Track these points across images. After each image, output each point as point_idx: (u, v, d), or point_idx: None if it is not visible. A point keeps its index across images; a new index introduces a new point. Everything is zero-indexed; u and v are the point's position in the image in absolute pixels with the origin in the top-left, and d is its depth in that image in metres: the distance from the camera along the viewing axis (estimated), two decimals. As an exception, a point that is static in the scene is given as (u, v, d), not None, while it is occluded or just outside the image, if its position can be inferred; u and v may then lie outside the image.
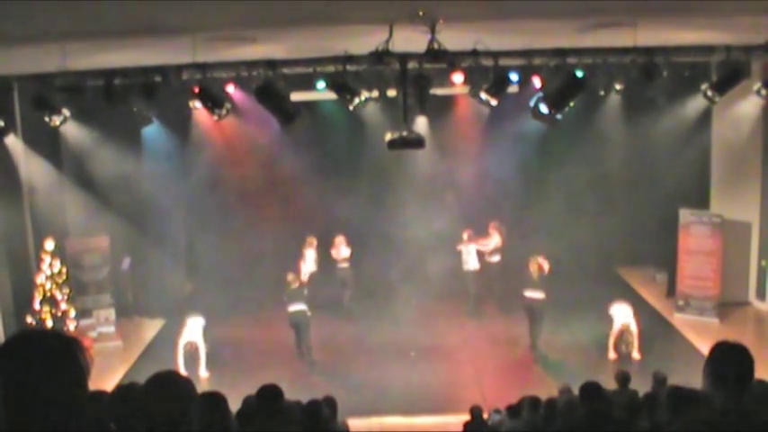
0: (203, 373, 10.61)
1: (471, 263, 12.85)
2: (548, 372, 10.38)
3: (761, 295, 12.66)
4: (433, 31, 8.03)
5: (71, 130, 11.38)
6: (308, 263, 12.95)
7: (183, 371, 10.21)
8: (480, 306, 12.86)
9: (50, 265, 11.42)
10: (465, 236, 12.91)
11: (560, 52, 9.28)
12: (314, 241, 13.09)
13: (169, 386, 2.36)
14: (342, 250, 13.03)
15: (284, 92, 9.75)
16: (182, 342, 10.54)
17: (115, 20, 7.20)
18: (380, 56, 8.41)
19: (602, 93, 11.62)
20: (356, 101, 9.98)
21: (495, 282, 13.07)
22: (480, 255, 12.91)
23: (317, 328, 12.08)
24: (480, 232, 13.05)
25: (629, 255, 14.10)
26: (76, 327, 11.60)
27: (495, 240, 13.02)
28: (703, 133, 12.36)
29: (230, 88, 10.38)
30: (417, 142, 9.43)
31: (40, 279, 11.37)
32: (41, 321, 11.15)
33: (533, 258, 11.10)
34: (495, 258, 13.01)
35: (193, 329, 10.67)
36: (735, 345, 2.97)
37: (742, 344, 2.97)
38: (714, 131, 12.46)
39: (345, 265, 13.08)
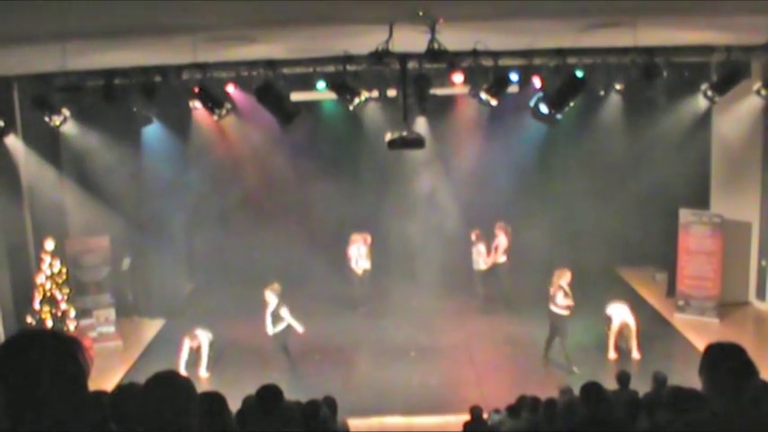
0: (203, 373, 10.60)
1: (480, 263, 12.89)
2: (548, 372, 10.37)
3: (761, 295, 12.66)
4: (433, 31, 8.04)
5: (71, 130, 11.37)
6: (361, 260, 13.04)
7: (183, 370, 10.22)
8: (489, 305, 12.87)
9: (50, 265, 11.41)
10: (473, 236, 12.93)
11: (560, 52, 9.29)
12: (368, 238, 13.13)
13: (169, 386, 2.35)
14: (360, 258, 13.06)
15: (284, 92, 9.75)
16: (187, 342, 10.54)
17: (115, 20, 7.20)
18: (380, 56, 8.41)
19: (602, 93, 11.61)
20: (356, 101, 9.99)
21: (505, 282, 13.09)
22: (488, 255, 12.93)
23: (318, 327, 12.10)
24: (481, 232, 13.06)
25: (629, 255, 14.09)
26: (76, 327, 11.59)
27: (501, 241, 13.05)
28: (703, 133, 12.36)
29: (230, 88, 10.38)
30: (417, 142, 9.43)
31: (40, 279, 11.36)
32: (41, 321, 11.14)
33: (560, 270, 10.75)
34: (502, 259, 13.02)
35: (201, 337, 10.68)
36: (729, 345, 2.96)
37: (736, 344, 2.96)
38: (714, 131, 12.46)
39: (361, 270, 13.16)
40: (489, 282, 12.99)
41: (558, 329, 10.49)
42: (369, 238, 13.10)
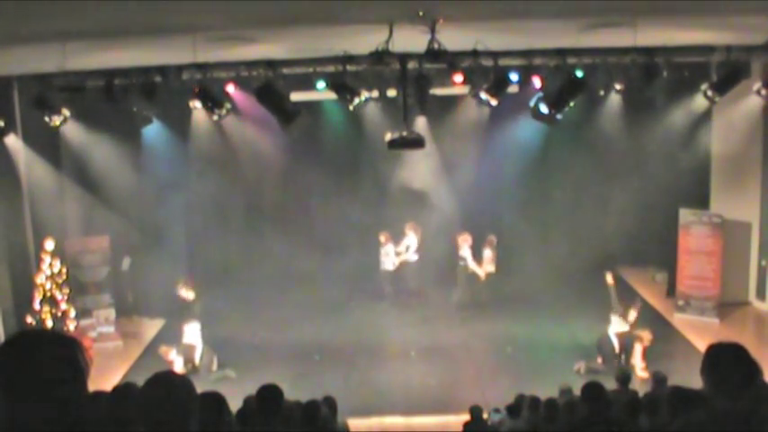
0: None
1: (388, 263, 13.08)
2: (548, 372, 10.35)
3: (761, 295, 12.65)
4: (433, 31, 8.04)
5: (71, 130, 11.37)
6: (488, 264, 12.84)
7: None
8: (396, 306, 12.90)
9: (50, 265, 11.40)
10: (382, 238, 13.05)
11: (560, 52, 9.28)
12: (494, 239, 12.83)
13: (168, 386, 2.35)
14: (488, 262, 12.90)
15: (284, 92, 9.75)
16: (177, 348, 10.39)
17: (115, 20, 7.20)
18: (380, 56, 8.42)
19: (602, 93, 11.61)
20: (356, 101, 9.98)
21: (412, 281, 13.27)
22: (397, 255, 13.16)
23: (318, 327, 12.10)
24: (480, 232, 13.06)
25: (629, 255, 14.09)
26: (76, 327, 11.59)
27: (410, 240, 13.13)
28: (703, 133, 12.36)
29: (230, 88, 10.37)
30: (417, 142, 9.43)
31: (40, 279, 11.36)
32: (41, 321, 11.14)
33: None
34: (413, 258, 13.22)
35: (191, 334, 10.59)
36: (732, 345, 2.96)
37: (739, 343, 2.96)
38: (714, 131, 12.46)
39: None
40: (396, 281, 13.18)
41: None
42: (494, 240, 12.86)
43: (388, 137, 9.38)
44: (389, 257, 13.10)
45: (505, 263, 13.05)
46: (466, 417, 7.45)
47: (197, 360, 10.44)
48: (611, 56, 9.39)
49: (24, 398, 1.76)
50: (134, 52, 8.95)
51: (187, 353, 10.42)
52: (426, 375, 10.32)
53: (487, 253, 12.75)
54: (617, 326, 10.30)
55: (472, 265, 12.74)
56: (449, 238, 13.29)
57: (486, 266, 12.77)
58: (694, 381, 3.31)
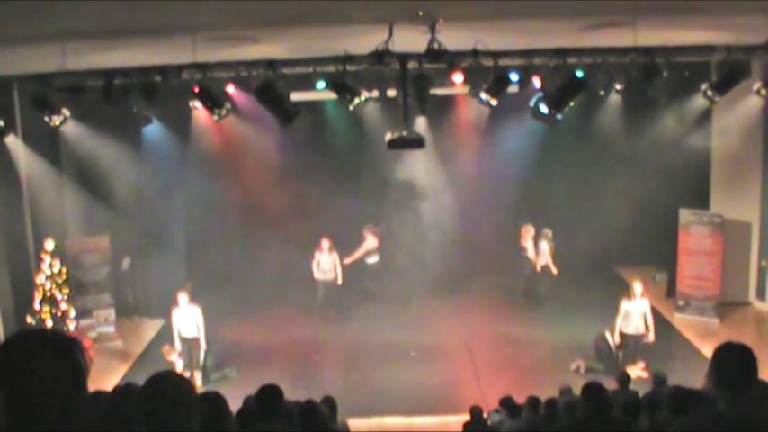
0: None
1: (331, 272, 12.71)
2: (548, 372, 10.36)
3: (761, 295, 12.66)
4: (433, 31, 8.04)
5: (71, 130, 11.37)
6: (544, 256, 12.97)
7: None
8: (329, 317, 12.66)
9: (50, 265, 11.41)
10: (326, 245, 12.68)
11: (560, 52, 9.27)
12: (549, 232, 12.93)
13: (168, 386, 2.35)
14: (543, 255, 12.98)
15: (284, 92, 9.75)
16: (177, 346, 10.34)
17: (115, 20, 7.21)
18: (380, 56, 8.41)
19: (602, 93, 11.59)
20: (356, 101, 9.97)
21: (371, 281, 13.27)
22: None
23: (318, 327, 12.10)
24: (479, 231, 13.06)
25: (629, 255, 14.08)
26: (76, 327, 11.59)
27: (370, 243, 13.12)
28: (703, 133, 12.36)
29: (230, 88, 10.37)
30: (417, 142, 9.43)
31: (40, 279, 11.36)
32: (41, 321, 11.14)
33: None
34: (373, 260, 13.21)
35: (187, 324, 10.43)
36: (740, 346, 2.97)
37: (746, 344, 2.97)
38: (714, 131, 12.46)
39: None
40: (337, 289, 12.83)
41: None
42: (550, 233, 12.91)
43: (388, 137, 9.38)
44: (331, 265, 12.67)
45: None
46: (466, 417, 7.46)
47: (200, 357, 10.35)
48: (611, 56, 9.38)
49: (24, 398, 1.76)
50: (134, 52, 8.94)
51: (189, 347, 10.31)
52: (426, 375, 10.32)
53: (544, 246, 12.86)
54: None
55: (533, 256, 12.89)
56: (448, 238, 13.29)
57: (544, 259, 12.89)
58: (694, 381, 3.32)
